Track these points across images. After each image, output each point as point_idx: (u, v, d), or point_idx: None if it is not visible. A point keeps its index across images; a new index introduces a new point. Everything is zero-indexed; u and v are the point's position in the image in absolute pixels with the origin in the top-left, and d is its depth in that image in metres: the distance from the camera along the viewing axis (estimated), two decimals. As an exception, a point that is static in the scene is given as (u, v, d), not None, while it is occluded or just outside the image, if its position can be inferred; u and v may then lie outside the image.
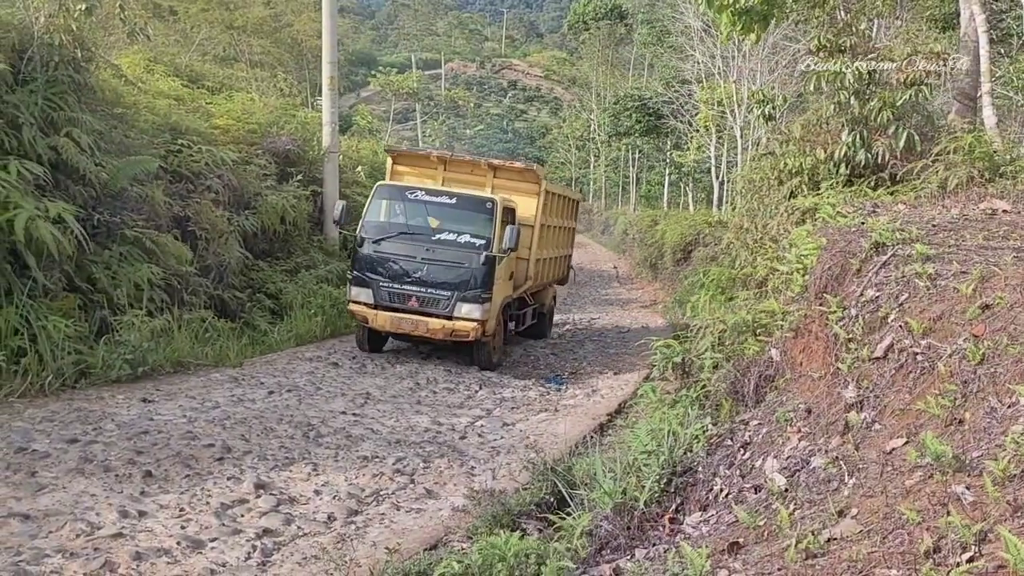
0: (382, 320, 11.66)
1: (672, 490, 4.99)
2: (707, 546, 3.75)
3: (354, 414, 8.84)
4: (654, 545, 4.37)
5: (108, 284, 10.24)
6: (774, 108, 10.98)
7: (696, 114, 27.80)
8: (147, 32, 13.73)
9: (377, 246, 11.84)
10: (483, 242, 11.64)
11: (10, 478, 5.99)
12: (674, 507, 4.85)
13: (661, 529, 4.62)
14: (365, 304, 11.78)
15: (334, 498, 6.26)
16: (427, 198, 12.14)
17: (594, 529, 4.59)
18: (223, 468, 6.66)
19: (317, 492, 6.37)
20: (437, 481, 6.88)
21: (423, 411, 9.25)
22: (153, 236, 11.24)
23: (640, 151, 45.10)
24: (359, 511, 6.06)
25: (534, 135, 79.08)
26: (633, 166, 47.89)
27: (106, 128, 11.34)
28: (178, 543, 5.17)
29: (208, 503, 5.90)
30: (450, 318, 11.47)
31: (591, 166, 58.07)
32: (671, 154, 36.58)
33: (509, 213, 12.48)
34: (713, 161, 27.06)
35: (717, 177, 26.68)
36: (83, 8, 10.38)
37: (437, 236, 11.78)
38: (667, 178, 40.92)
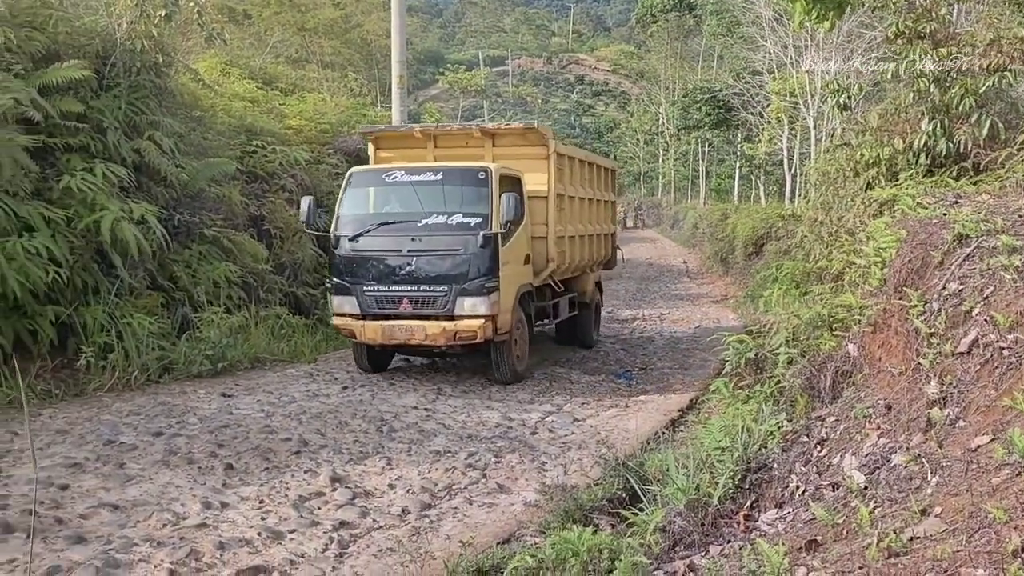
0: (371, 332, 9.76)
1: (746, 487, 4.93)
2: (784, 543, 3.70)
3: (426, 409, 8.94)
4: (729, 542, 4.33)
5: (188, 282, 10.58)
6: (849, 97, 10.72)
7: (767, 105, 27.32)
8: (223, 36, 14.13)
9: (356, 244, 9.97)
10: (479, 220, 9.67)
11: (100, 469, 6.24)
12: (749, 504, 4.79)
13: (736, 526, 4.57)
14: (350, 315, 9.93)
15: (408, 492, 6.35)
16: (408, 178, 10.15)
17: (667, 525, 4.57)
18: (300, 461, 6.82)
19: (391, 486, 6.46)
20: (509, 476, 6.92)
21: (494, 406, 9.30)
22: (230, 235, 11.57)
23: (710, 144, 44.53)
24: (432, 505, 6.14)
25: (602, 130, 78.69)
26: (703, 159, 47.32)
27: (185, 131, 11.70)
28: (259, 534, 5.31)
29: (286, 495, 6.04)
30: (451, 318, 9.62)
31: (660, 160, 57.54)
32: (742, 147, 36.07)
33: (512, 184, 10.43)
34: (785, 153, 26.56)
35: (790, 169, 26.19)
36: (163, 14, 10.72)
37: (424, 222, 9.82)
38: (738, 171, 40.33)
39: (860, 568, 3.26)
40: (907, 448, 4.12)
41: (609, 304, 19.09)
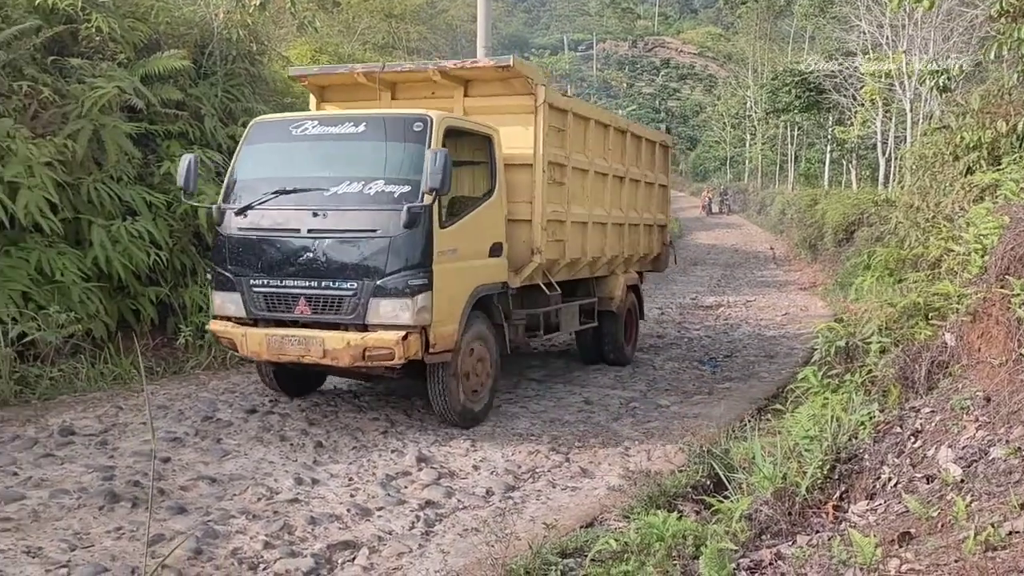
0: (255, 343, 7.07)
1: (836, 477, 4.84)
2: (875, 535, 3.63)
3: (509, 392, 9.02)
4: (817, 532, 4.27)
5: (280, 265, 10.87)
6: (949, 79, 10.33)
7: (861, 87, 26.49)
8: (314, 24, 14.40)
9: (243, 220, 7.22)
10: (407, 189, 6.85)
11: (199, 444, 6.50)
12: (838, 495, 4.70)
13: (824, 516, 4.50)
14: (234, 319, 7.27)
15: (492, 473, 6.44)
16: (321, 130, 7.42)
17: (753, 513, 4.53)
18: (387, 441, 6.97)
19: (475, 467, 6.56)
20: (592, 460, 6.94)
21: (576, 391, 9.33)
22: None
23: (799, 128, 43.42)
24: (516, 487, 6.21)
25: (687, 114, 77.53)
26: (791, 143, 46.19)
27: (277, 117, 11.99)
28: (348, 510, 5.46)
29: (374, 474, 6.19)
30: (363, 328, 6.87)
31: (747, 144, 56.42)
32: (833, 130, 35.06)
33: (473, 144, 8.10)
34: (879, 136, 25.74)
35: (884, 153, 25.38)
36: (258, 4, 11.01)
37: (334, 190, 7.04)
38: (828, 155, 39.22)
39: (956, 561, 3.18)
40: (1007, 441, 3.99)
41: (693, 291, 18.90)
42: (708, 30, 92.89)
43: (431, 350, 6.91)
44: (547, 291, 8.71)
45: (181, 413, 7.29)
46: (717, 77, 76.25)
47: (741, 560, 3.95)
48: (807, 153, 46.14)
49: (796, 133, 44.87)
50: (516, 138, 8.19)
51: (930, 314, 6.16)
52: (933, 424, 4.72)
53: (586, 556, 4.33)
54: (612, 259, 10.42)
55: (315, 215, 6.99)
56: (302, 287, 6.94)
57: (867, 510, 4.30)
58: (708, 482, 5.62)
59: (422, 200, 6.76)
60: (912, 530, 3.68)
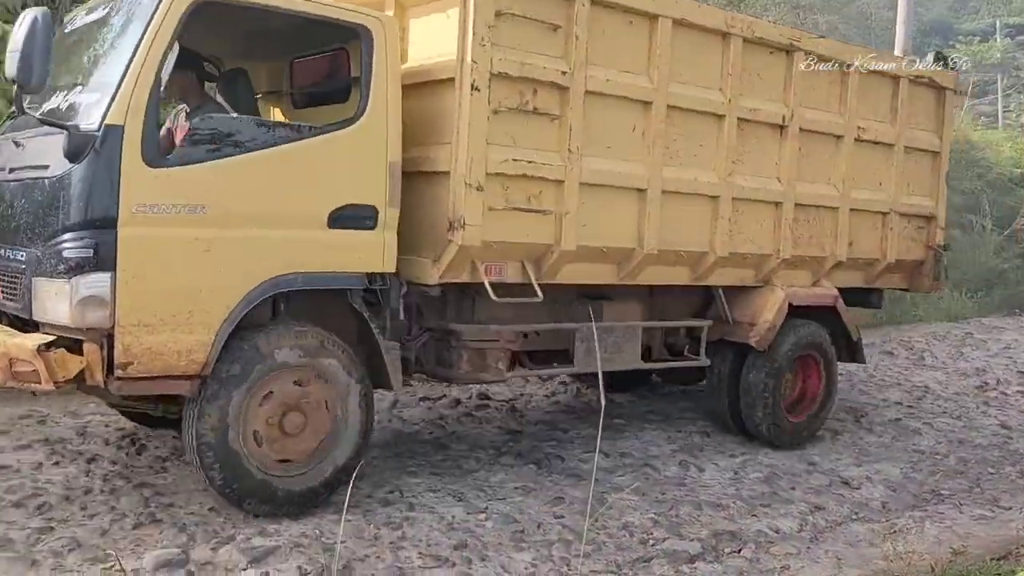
0: None
1: None
2: None
3: (909, 406, 8.42)
4: None
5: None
6: None
7: None
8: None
9: None
10: (99, 98, 4.18)
11: (590, 419, 6.93)
12: None
13: None
14: None
15: (888, 488, 6.06)
16: (81, 20, 4.94)
17: None
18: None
19: (869, 479, 6.22)
20: (1007, 489, 6.25)
21: (991, 413, 8.42)
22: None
23: None
24: (915, 506, 5.80)
25: None
26: None
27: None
28: (733, 502, 5.48)
29: (760, 472, 6.12)
30: (31, 324, 4.34)
31: None
32: None
33: (318, 33, 4.95)
34: None
35: None
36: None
37: (44, 107, 4.49)
38: None
39: None
40: None
41: None
42: None
43: (122, 372, 4.06)
44: (493, 295, 5.01)
45: (577, 391, 7.84)
46: None
47: None
48: None
49: None
50: (444, 37, 4.96)
51: None
52: None
53: (999, 589, 3.95)
54: (758, 260, 6.44)
55: (16, 146, 4.57)
56: None
57: None
58: None
59: (104, 116, 4.03)
60: None
